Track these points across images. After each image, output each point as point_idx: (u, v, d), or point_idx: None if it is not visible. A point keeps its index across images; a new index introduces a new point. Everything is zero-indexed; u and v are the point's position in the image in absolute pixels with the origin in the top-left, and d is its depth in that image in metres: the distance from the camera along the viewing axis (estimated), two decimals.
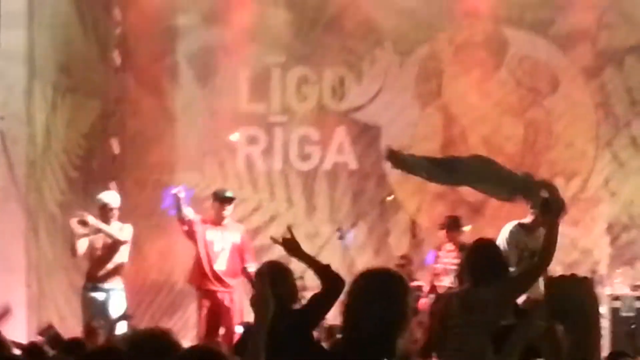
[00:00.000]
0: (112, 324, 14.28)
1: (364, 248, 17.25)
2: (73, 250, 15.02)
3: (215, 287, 14.98)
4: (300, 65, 18.02)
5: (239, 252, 15.05)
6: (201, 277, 15.15)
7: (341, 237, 16.14)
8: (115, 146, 18.39)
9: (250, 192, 17.72)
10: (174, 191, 16.10)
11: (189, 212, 15.24)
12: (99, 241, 14.92)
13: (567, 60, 17.45)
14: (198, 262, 15.16)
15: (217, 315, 15.07)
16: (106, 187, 17.43)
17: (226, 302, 14.73)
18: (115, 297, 14.70)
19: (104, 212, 14.93)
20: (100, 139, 18.39)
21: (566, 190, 16.29)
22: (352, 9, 17.76)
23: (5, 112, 16.88)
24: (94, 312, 14.51)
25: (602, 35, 17.16)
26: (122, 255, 14.94)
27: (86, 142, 18.07)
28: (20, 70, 17.15)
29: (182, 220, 15.31)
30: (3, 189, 16.96)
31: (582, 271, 15.20)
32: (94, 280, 14.83)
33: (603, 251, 16.88)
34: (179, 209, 15.29)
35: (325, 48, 18.00)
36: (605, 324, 14.34)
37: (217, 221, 15.27)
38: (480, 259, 9.00)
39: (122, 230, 15.02)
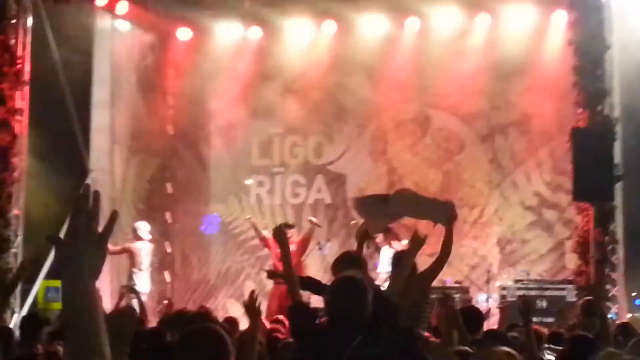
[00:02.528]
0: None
1: (335, 254, 15.82)
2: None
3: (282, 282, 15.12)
4: (292, 135, 19.87)
5: (295, 258, 15.02)
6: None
7: (320, 249, 17.07)
8: (169, 188, 20.21)
9: (260, 218, 18.94)
10: (208, 219, 18.67)
11: (265, 233, 16.74)
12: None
13: (469, 130, 18.89)
14: (274, 265, 16.14)
15: (280, 298, 15.30)
16: (163, 216, 19.54)
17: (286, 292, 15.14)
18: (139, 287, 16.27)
19: (135, 234, 17.08)
20: (158, 183, 20.18)
21: (469, 216, 18.30)
22: (328, 98, 19.45)
23: (96, 166, 18.64)
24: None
25: (492, 114, 18.68)
26: (142, 263, 16.94)
27: (149, 186, 20.03)
28: (105, 139, 19.06)
29: (260, 238, 16.93)
30: None
31: (481, 270, 17.55)
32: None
33: (494, 257, 18.10)
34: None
35: (308, 123, 19.77)
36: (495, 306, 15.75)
37: None
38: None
39: (141, 249, 17.01)
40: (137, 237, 17.09)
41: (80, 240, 2.50)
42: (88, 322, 2.47)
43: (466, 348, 6.84)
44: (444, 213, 10.38)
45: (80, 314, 2.48)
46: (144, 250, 16.96)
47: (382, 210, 12.41)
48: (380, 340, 5.23)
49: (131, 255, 16.89)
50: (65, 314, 2.60)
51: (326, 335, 5.69)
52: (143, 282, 16.85)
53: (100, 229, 2.56)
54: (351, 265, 7.71)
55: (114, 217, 2.65)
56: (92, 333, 2.46)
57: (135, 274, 16.85)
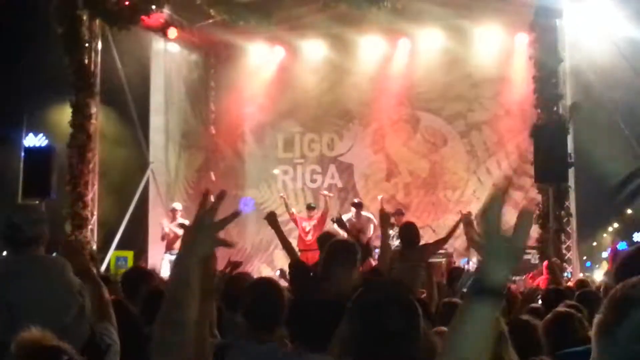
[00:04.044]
0: None
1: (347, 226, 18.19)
2: (162, 237, 16.94)
3: (307, 249, 15.61)
4: (310, 133, 20.06)
5: (316, 231, 16.02)
6: (301, 244, 16.19)
7: (333, 221, 16.53)
8: (213, 176, 20.26)
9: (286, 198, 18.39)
10: (244, 201, 18.47)
11: (294, 211, 17.25)
12: (172, 232, 16.66)
13: (451, 128, 19.10)
14: (300, 237, 16.56)
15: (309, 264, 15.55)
16: (208, 198, 19.69)
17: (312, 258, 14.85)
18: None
19: (173, 213, 16.94)
20: (204, 172, 20.27)
21: (452, 196, 18.67)
22: (338, 103, 19.70)
23: (155, 159, 18.83)
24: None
25: (469, 115, 18.89)
26: None
27: (197, 174, 20.11)
28: (161, 137, 19.17)
29: (289, 213, 17.07)
30: (154, 200, 18.71)
31: (462, 240, 15.90)
32: (168, 249, 16.65)
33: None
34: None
35: (323, 123, 19.96)
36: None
37: (308, 216, 17.02)
38: (407, 233, 9.89)
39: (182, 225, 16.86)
40: (177, 216, 16.89)
41: (197, 225, 2.56)
42: (181, 291, 2.47)
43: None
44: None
45: (177, 283, 2.51)
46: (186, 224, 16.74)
47: None
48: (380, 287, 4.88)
49: (176, 233, 16.44)
50: (168, 283, 2.63)
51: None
52: None
53: (217, 220, 2.58)
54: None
55: (235, 215, 2.67)
56: (182, 302, 2.46)
57: (177, 247, 16.26)
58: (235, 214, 2.66)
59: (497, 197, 1.78)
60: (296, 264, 6.62)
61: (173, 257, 13.72)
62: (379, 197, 17.05)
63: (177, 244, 15.16)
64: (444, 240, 10.57)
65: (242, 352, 4.15)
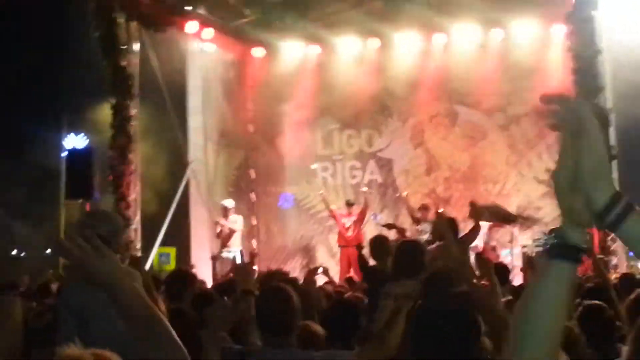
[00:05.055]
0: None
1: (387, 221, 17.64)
2: (217, 235, 17.02)
3: (347, 245, 16.23)
4: (349, 129, 20.04)
5: (356, 227, 16.51)
6: (341, 240, 16.67)
7: (375, 218, 17.57)
8: (252, 174, 20.37)
9: (326, 195, 18.58)
10: (284, 197, 18.86)
11: (334, 208, 17.17)
12: (225, 229, 16.82)
13: (491, 121, 18.99)
14: (340, 233, 16.77)
15: (348, 261, 15.88)
16: (248, 196, 19.43)
17: (352, 254, 14.79)
18: (236, 255, 16.26)
19: (225, 211, 16.90)
20: (244, 170, 20.40)
21: (493, 190, 18.50)
22: (376, 99, 19.56)
23: (195, 158, 18.99)
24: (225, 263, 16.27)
25: (508, 107, 18.72)
26: (236, 235, 16.63)
27: (237, 172, 20.27)
28: (200, 137, 19.36)
29: (330, 210, 17.11)
30: (195, 198, 18.94)
31: (504, 231, 16.94)
32: (223, 246, 16.72)
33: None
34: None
35: (361, 119, 19.88)
36: (518, 262, 15.48)
37: (348, 212, 16.99)
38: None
39: (236, 222, 16.82)
40: (229, 213, 17.05)
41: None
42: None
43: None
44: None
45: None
46: (238, 222, 16.85)
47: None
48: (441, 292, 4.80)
49: (230, 228, 16.78)
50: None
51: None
52: (237, 248, 16.79)
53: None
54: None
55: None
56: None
57: (234, 243, 16.74)
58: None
59: (568, 154, 1.67)
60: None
61: (228, 254, 16.02)
62: (404, 194, 17.20)
63: (232, 241, 16.38)
64: (476, 228, 10.30)
65: (262, 358, 4.25)
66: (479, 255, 8.06)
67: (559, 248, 1.68)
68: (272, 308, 4.35)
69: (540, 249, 1.73)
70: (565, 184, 1.64)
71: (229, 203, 17.03)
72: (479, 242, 15.02)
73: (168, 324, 2.45)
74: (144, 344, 2.42)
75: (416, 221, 16.04)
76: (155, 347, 2.43)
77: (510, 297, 6.44)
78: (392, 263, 6.00)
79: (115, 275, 2.45)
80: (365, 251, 9.05)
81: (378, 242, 8.34)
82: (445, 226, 7.34)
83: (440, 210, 13.85)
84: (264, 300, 4.51)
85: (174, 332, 2.44)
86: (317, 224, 19.69)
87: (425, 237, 14.49)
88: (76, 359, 3.11)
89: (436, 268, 5.68)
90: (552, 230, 1.70)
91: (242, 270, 4.54)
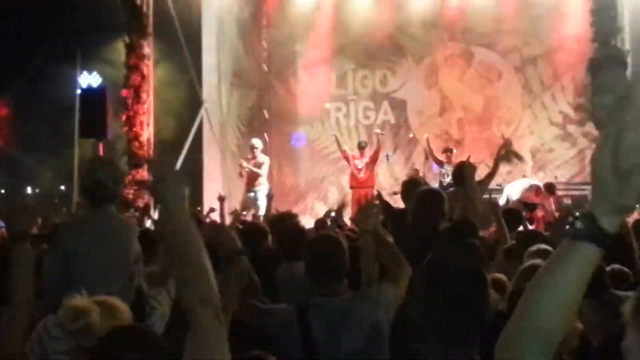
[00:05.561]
0: (258, 207, 15.18)
1: (399, 163, 18.62)
2: (240, 174, 16.24)
3: (359, 187, 16.13)
4: (363, 69, 19.71)
5: (368, 168, 16.22)
6: (353, 181, 16.41)
7: (387, 158, 17.29)
8: (266, 114, 20.12)
9: (338, 136, 17.95)
10: (296, 136, 18.80)
11: (346, 149, 16.79)
12: (249, 170, 15.90)
13: (506, 62, 18.83)
14: (352, 174, 16.51)
15: (360, 202, 14.15)
16: (262, 136, 18.85)
17: (364, 195, 14.94)
18: (260, 195, 15.61)
19: (252, 150, 16.06)
20: (257, 110, 20.11)
21: (506, 131, 18.05)
22: (390, 39, 19.33)
23: (208, 98, 18.88)
24: (249, 203, 15.69)
25: (524, 48, 18.57)
26: (262, 175, 15.80)
27: (250, 112, 19.99)
28: (214, 77, 19.21)
29: (341, 151, 16.80)
30: (208, 138, 18.92)
31: (516, 173, 16.47)
32: (248, 186, 15.96)
33: (527, 163, 17.28)
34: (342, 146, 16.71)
35: (375, 60, 19.56)
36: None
37: (360, 154, 16.47)
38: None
39: (263, 163, 15.93)
40: (256, 153, 16.15)
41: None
42: (183, 242, 2.51)
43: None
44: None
45: (175, 237, 2.53)
46: (266, 162, 16.24)
47: None
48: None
49: (259, 167, 15.97)
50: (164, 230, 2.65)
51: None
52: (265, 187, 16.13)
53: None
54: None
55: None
56: (191, 248, 2.50)
57: (260, 183, 15.99)
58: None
59: (614, 135, 1.60)
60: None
61: (252, 194, 15.60)
62: (425, 136, 16.92)
63: (257, 182, 15.69)
64: (492, 173, 10.16)
65: (323, 308, 4.20)
66: (490, 203, 8.13)
67: (589, 231, 1.63)
68: (327, 257, 4.26)
69: (568, 228, 1.69)
70: (608, 166, 1.57)
71: (257, 143, 16.48)
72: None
73: (208, 266, 2.48)
74: (178, 275, 2.52)
75: (439, 163, 15.96)
76: (184, 282, 2.48)
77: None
78: (411, 212, 5.95)
79: (176, 207, 2.53)
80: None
81: (410, 185, 8.14)
82: (468, 172, 7.01)
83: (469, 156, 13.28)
84: (316, 249, 4.39)
85: (210, 275, 2.47)
86: (329, 164, 19.56)
87: (448, 179, 14.74)
88: (83, 309, 3.19)
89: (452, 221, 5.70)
90: (584, 213, 1.66)
91: (224, 232, 4.51)
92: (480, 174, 10.41)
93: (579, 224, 1.64)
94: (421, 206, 5.84)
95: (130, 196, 16.80)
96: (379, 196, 9.75)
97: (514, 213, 8.67)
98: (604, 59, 14.93)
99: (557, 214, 12.82)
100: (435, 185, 13.23)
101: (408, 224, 6.03)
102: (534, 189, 14.86)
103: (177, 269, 2.54)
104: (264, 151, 16.78)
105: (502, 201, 14.85)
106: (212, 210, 11.81)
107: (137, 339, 2.74)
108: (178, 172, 2.63)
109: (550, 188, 14.71)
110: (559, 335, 1.68)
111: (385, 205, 8.40)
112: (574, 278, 1.65)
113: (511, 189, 14.86)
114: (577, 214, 1.69)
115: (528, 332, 1.67)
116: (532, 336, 1.66)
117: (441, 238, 5.15)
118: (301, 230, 6.47)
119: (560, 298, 1.65)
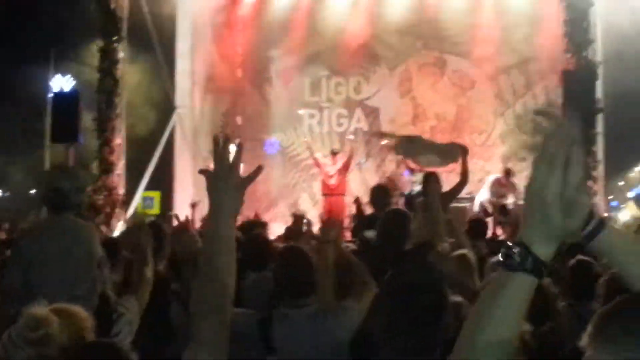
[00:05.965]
0: None
1: (371, 170, 18.25)
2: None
3: (330, 194, 16.14)
4: (337, 76, 19.67)
5: (340, 175, 16.14)
6: (324, 188, 16.35)
7: (360, 166, 17.36)
8: (239, 120, 19.70)
9: (311, 143, 18.34)
10: (269, 142, 18.69)
11: (318, 156, 16.77)
12: None
13: (479, 71, 18.77)
14: (323, 182, 16.48)
15: (331, 209, 15.58)
16: (234, 142, 19.44)
17: (335, 203, 15.51)
18: None
19: None
20: (231, 116, 19.84)
21: (478, 140, 18.35)
22: (365, 47, 19.23)
23: (181, 104, 19.04)
24: None
25: (497, 57, 18.47)
26: None
27: (224, 118, 19.89)
28: (187, 82, 19.38)
29: (314, 159, 16.80)
30: (180, 144, 19.02)
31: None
32: None
33: (498, 172, 16.43)
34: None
35: (350, 67, 19.47)
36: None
37: (332, 161, 16.42)
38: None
39: None
40: None
41: (221, 182, 2.46)
42: (224, 254, 2.43)
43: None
44: (457, 151, 10.92)
45: (217, 246, 2.43)
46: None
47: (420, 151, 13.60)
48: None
49: None
50: (205, 245, 2.52)
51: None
52: None
53: (243, 176, 2.50)
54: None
55: (258, 170, 2.55)
56: (225, 268, 2.43)
57: None
58: (259, 170, 2.57)
59: (547, 160, 1.60)
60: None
61: None
62: (383, 143, 16.92)
63: None
64: (462, 182, 10.26)
65: (286, 318, 4.23)
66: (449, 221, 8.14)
67: (524, 262, 1.63)
68: (294, 271, 4.31)
69: (502, 259, 1.66)
70: (551, 196, 1.58)
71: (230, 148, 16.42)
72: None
73: (232, 266, 2.45)
74: (205, 264, 2.43)
75: (411, 170, 15.80)
76: (211, 274, 2.42)
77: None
78: (378, 233, 5.96)
79: (225, 201, 2.45)
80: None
81: (379, 192, 8.23)
82: (432, 186, 6.97)
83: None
84: (284, 264, 4.44)
85: (232, 275, 2.45)
86: (301, 171, 19.53)
87: (417, 188, 14.53)
88: (42, 319, 3.16)
89: (416, 239, 5.70)
90: (515, 243, 1.65)
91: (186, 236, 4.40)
92: (453, 183, 10.53)
93: (513, 255, 1.63)
94: (387, 227, 5.84)
95: (100, 202, 16.72)
96: (358, 203, 9.69)
97: (478, 223, 8.76)
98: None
99: None
100: (405, 192, 13.25)
101: (374, 244, 6.08)
102: (498, 180, 15.51)
103: (207, 288, 2.43)
104: None
105: (475, 209, 15.22)
106: (176, 217, 11.80)
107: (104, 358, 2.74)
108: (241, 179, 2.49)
109: (509, 172, 15.42)
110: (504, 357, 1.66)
111: (360, 213, 8.40)
112: (512, 309, 1.64)
113: (481, 195, 15.12)
114: (509, 243, 1.66)
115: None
116: None
117: (404, 258, 5.19)
118: (266, 241, 6.52)
119: (497, 328, 1.63)
